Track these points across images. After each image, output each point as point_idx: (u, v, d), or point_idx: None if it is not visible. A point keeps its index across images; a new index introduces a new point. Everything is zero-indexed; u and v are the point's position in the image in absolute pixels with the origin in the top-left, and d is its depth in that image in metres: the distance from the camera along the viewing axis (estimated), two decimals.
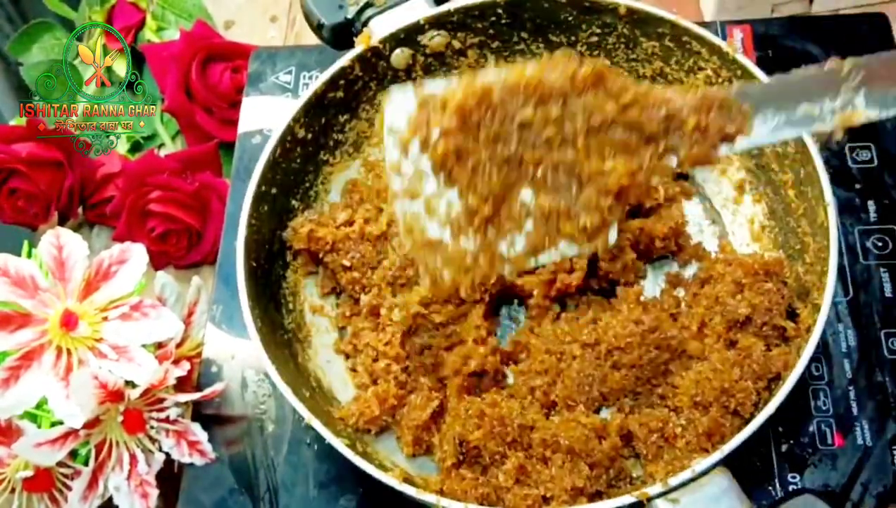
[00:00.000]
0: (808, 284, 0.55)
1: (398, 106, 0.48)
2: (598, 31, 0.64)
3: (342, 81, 0.64)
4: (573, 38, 0.66)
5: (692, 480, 0.48)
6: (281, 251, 0.63)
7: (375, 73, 0.66)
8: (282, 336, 0.60)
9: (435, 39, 0.65)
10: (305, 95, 0.63)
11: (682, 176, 0.65)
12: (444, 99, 0.46)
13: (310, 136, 0.64)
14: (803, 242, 0.57)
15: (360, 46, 0.63)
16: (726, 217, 0.64)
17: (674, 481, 0.48)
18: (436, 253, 0.48)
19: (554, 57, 0.46)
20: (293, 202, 0.64)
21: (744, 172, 0.63)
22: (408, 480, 0.51)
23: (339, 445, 0.51)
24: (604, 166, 0.46)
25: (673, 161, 0.47)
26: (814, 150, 0.55)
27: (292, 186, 0.64)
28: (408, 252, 0.58)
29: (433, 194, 0.47)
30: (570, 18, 0.64)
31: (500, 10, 0.65)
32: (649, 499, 0.48)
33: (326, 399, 0.59)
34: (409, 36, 0.65)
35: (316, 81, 0.63)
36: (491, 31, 0.66)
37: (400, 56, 0.65)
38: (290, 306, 0.62)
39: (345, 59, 0.63)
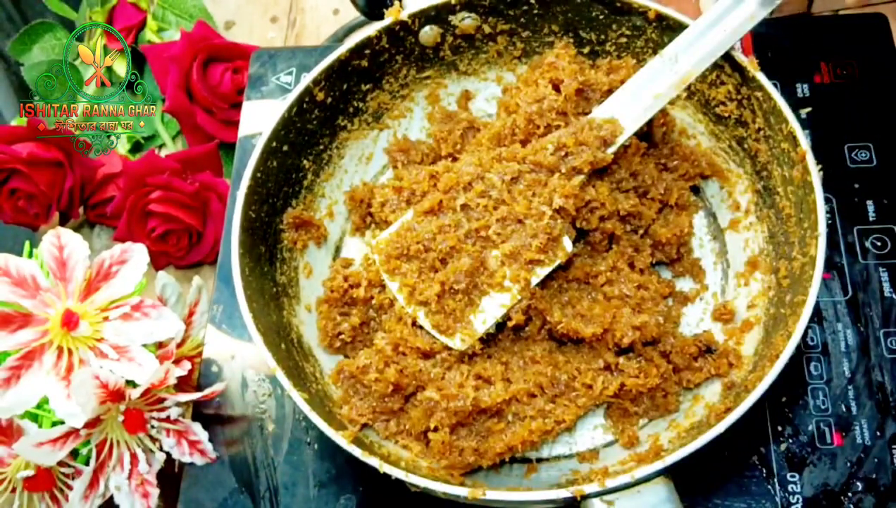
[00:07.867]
0: (786, 314, 0.54)
1: None
2: (628, 32, 0.63)
3: (368, 51, 0.64)
4: (603, 37, 0.65)
5: (631, 485, 0.48)
6: (285, 208, 0.63)
7: (403, 47, 0.66)
8: (271, 288, 0.60)
9: (465, 21, 0.65)
10: (328, 59, 0.62)
11: (692, 189, 0.64)
12: None
13: (329, 99, 0.64)
14: (793, 270, 0.56)
15: (388, 18, 0.63)
16: (728, 236, 0.63)
17: (611, 483, 0.47)
18: None
19: None
20: (304, 162, 0.64)
21: (751, 194, 0.62)
22: (357, 441, 0.51)
23: (299, 399, 0.51)
24: None
25: None
26: (816, 180, 0.54)
27: (305, 147, 0.64)
28: None
29: None
30: (600, 17, 0.64)
31: (532, 0, 0.65)
32: (584, 497, 0.48)
33: (303, 355, 0.59)
34: (439, 14, 0.65)
35: (341, 47, 0.63)
36: (522, 20, 0.66)
37: (429, 34, 0.65)
38: (286, 260, 0.63)
39: (372, 29, 0.63)
